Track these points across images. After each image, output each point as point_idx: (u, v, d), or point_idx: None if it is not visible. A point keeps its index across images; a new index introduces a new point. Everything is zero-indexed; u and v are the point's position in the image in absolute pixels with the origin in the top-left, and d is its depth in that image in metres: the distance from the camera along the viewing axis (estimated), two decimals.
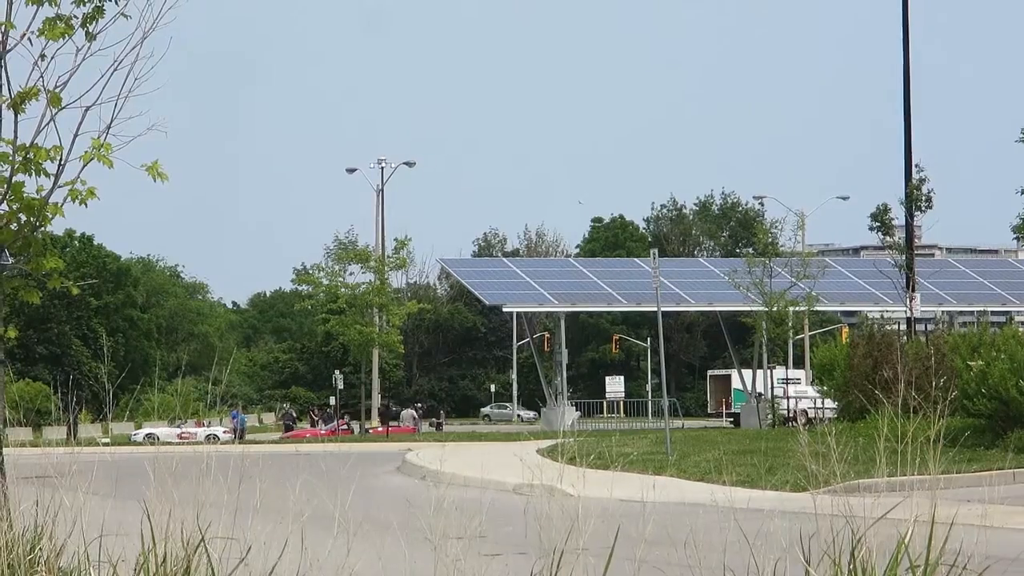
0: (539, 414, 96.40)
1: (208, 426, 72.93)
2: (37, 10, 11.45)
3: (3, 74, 11.46)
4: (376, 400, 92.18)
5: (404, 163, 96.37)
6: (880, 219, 51.94)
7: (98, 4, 11.51)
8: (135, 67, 11.35)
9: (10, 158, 11.45)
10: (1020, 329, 43.94)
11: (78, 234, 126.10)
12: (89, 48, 11.51)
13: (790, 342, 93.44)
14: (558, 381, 76.39)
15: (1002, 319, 75.47)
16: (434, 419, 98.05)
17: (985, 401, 34.59)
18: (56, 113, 11.42)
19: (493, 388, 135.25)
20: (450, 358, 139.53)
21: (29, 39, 11.42)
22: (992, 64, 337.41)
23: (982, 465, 27.22)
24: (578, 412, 78.57)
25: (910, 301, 50.11)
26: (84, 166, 11.50)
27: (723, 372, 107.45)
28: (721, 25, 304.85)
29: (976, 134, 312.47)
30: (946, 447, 10.24)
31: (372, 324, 76.60)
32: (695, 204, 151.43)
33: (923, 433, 10.14)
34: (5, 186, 11.50)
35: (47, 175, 11.55)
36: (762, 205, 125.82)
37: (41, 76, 11.43)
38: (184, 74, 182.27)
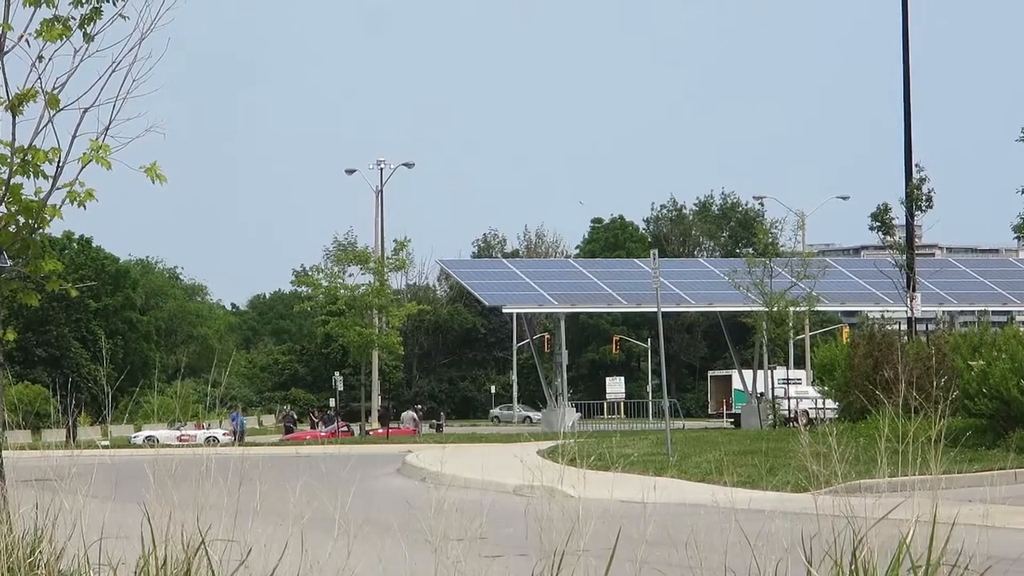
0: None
1: (208, 428, 72.91)
2: (35, 11, 11.44)
3: (1, 75, 11.45)
4: (376, 402, 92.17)
5: (403, 164, 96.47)
6: (880, 219, 51.92)
7: (96, 5, 11.49)
8: (133, 68, 11.34)
9: (8, 160, 11.43)
10: (1021, 329, 43.90)
11: (77, 236, 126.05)
12: (87, 49, 11.50)
13: (791, 342, 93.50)
14: (558, 382, 76.37)
15: (1003, 319, 75.58)
16: (434, 421, 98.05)
17: (986, 401, 34.58)
18: (54, 115, 11.41)
19: (493, 389, 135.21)
20: (450, 359, 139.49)
21: (27, 40, 11.41)
22: (992, 64, 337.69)
23: (983, 465, 27.19)
24: (578, 413, 78.56)
25: (911, 301, 50.10)
26: (82, 168, 11.49)
27: (724, 373, 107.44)
28: (721, 25, 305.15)
29: (976, 134, 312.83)
30: (947, 447, 10.22)
31: (372, 325, 76.61)
32: (695, 204, 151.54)
33: (924, 433, 10.13)
34: (3, 188, 11.48)
35: (45, 177, 11.54)
36: (762, 205, 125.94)
37: (39, 78, 11.42)
38: (182, 75, 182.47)
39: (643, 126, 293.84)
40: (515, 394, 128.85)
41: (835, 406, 51.24)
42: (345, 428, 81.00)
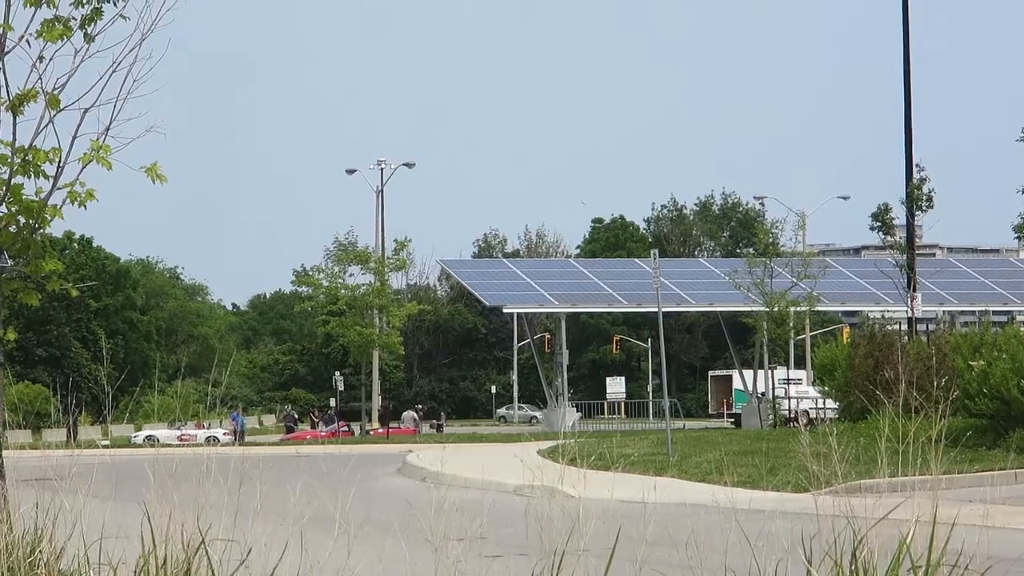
0: None
1: (208, 428, 72.92)
2: (35, 12, 11.44)
3: (2, 76, 11.45)
4: (376, 401, 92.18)
5: (404, 164, 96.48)
6: (881, 219, 51.91)
7: (96, 6, 11.50)
8: (134, 68, 11.34)
9: (9, 160, 11.44)
10: (1022, 329, 43.90)
11: (77, 236, 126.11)
12: (88, 50, 11.50)
13: (791, 342, 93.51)
14: (559, 382, 76.37)
15: (1003, 319, 75.60)
16: (434, 421, 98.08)
17: (987, 401, 34.58)
18: (55, 115, 11.41)
19: (494, 389, 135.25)
20: (450, 359, 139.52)
21: (27, 41, 11.41)
22: (992, 64, 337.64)
23: (984, 465, 27.19)
24: (579, 413, 78.56)
25: (911, 301, 50.10)
26: (83, 168, 11.50)
27: (724, 373, 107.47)
28: (721, 25, 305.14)
29: (976, 133, 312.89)
30: (947, 447, 10.23)
31: (372, 325, 76.60)
32: (695, 204, 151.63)
33: (924, 433, 10.13)
34: (4, 188, 11.48)
35: (46, 177, 11.54)
36: (763, 205, 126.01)
37: (40, 78, 11.42)
38: (183, 75, 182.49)
39: (643, 126, 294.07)
40: (515, 394, 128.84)
41: (835, 406, 51.24)
42: (345, 428, 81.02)
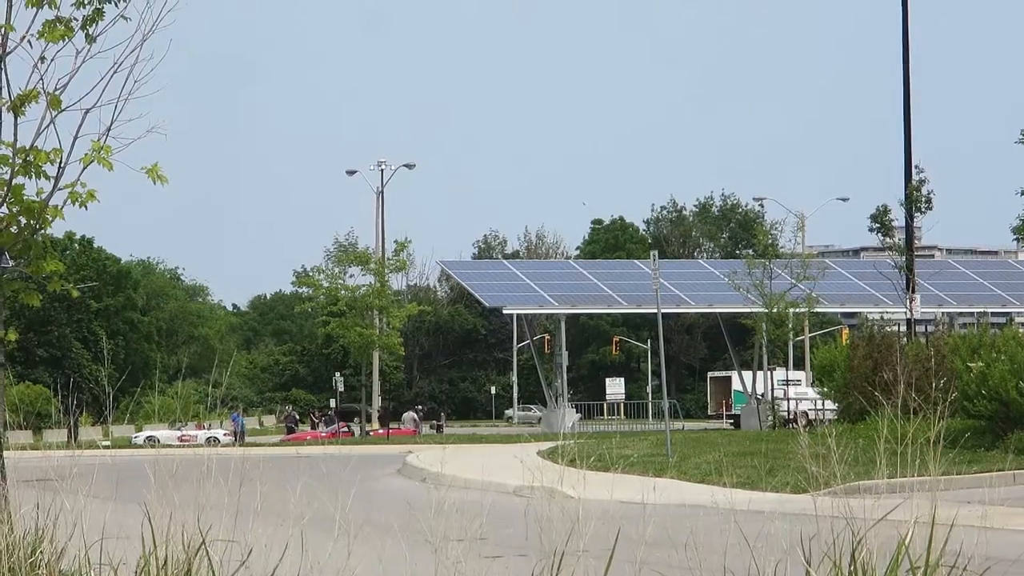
0: None
1: (208, 429, 72.94)
2: (37, 12, 11.46)
3: (3, 76, 11.47)
4: (376, 402, 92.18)
5: (404, 165, 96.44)
6: (880, 220, 51.88)
7: (98, 6, 11.52)
8: (135, 69, 11.36)
9: (10, 161, 11.45)
10: (1020, 330, 43.92)
11: (78, 237, 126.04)
12: (89, 50, 11.52)
13: (790, 344, 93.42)
14: (558, 383, 76.39)
15: (1002, 320, 75.49)
16: (434, 421, 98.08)
17: (985, 402, 34.58)
18: (56, 115, 11.43)
19: (494, 390, 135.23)
20: (450, 360, 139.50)
21: (29, 41, 11.43)
22: (992, 64, 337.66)
23: (982, 466, 27.21)
24: (578, 414, 78.58)
25: (910, 302, 50.09)
26: (84, 168, 11.51)
27: (723, 374, 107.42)
28: (721, 25, 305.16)
29: (976, 134, 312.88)
30: (946, 448, 10.24)
31: (372, 326, 76.61)
32: (695, 206, 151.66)
33: (923, 435, 10.14)
34: (5, 189, 11.50)
35: (47, 178, 11.56)
36: (762, 206, 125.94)
37: (41, 78, 11.44)
38: (184, 76, 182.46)
39: (643, 126, 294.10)
40: (515, 395, 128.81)
41: (834, 407, 51.25)
42: (346, 428, 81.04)
